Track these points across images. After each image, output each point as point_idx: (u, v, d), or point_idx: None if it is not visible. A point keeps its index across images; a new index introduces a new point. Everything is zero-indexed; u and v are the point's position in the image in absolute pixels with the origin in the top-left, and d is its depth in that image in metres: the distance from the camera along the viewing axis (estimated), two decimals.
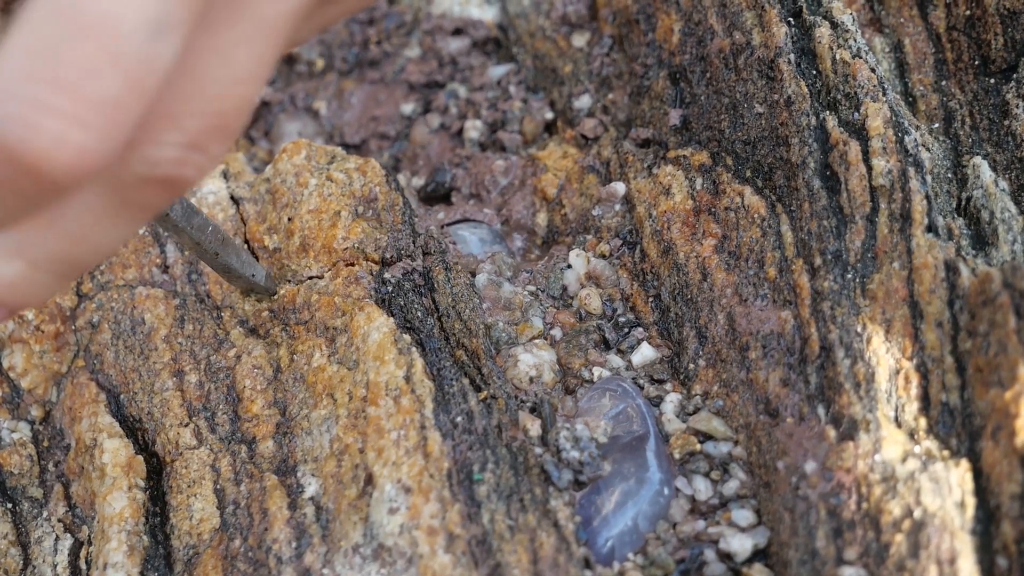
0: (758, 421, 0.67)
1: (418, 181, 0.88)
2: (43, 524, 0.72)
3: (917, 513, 0.59)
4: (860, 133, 0.70)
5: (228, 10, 0.39)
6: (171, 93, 0.38)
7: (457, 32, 0.93)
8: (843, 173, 0.69)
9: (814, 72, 0.73)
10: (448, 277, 0.74)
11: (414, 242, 0.76)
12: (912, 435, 0.62)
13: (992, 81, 0.76)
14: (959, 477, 0.60)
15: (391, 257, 0.75)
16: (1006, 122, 0.74)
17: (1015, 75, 0.75)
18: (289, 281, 0.75)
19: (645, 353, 0.72)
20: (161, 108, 0.38)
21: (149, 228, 0.79)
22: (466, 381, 0.68)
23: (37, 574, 0.70)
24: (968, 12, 0.77)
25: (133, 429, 0.73)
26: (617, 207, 0.78)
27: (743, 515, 0.65)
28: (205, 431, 0.71)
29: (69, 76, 0.35)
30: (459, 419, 0.66)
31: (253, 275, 0.72)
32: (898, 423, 0.63)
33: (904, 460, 0.61)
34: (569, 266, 0.77)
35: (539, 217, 0.82)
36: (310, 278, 0.74)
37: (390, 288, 0.73)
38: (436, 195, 0.87)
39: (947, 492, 0.59)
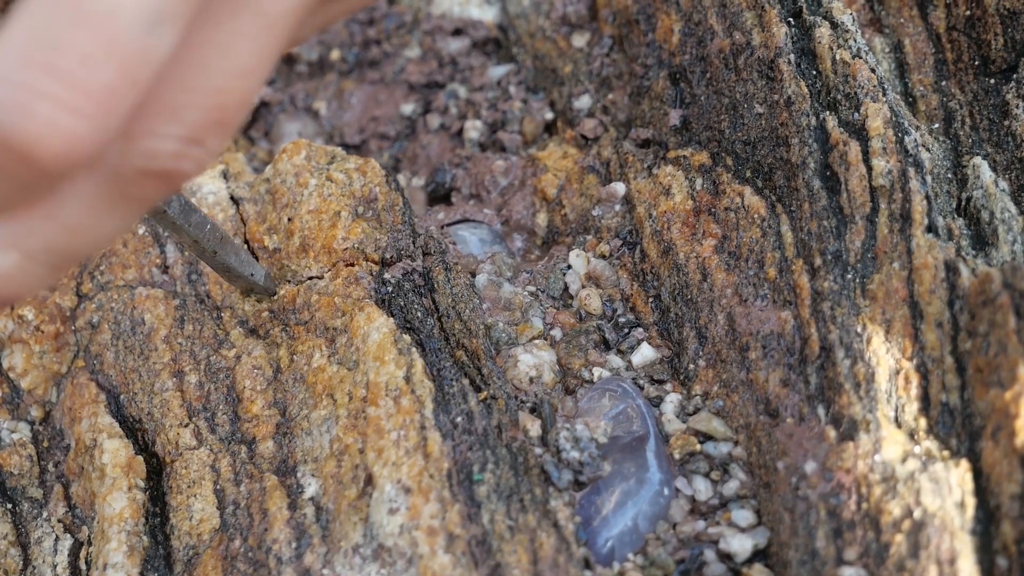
0: (758, 421, 0.67)
1: (418, 181, 0.88)
2: (43, 524, 0.72)
3: (917, 513, 0.59)
4: (860, 133, 0.70)
5: (230, 4, 0.39)
6: (171, 86, 0.38)
7: (457, 32, 0.93)
8: (843, 173, 0.69)
9: (814, 72, 0.73)
10: (448, 277, 0.74)
11: (414, 242, 0.76)
12: (912, 435, 0.62)
13: (992, 81, 0.76)
14: (959, 477, 0.60)
15: (391, 257, 0.75)
16: (1006, 122, 0.74)
17: (1015, 75, 0.75)
18: (289, 281, 0.75)
19: (645, 353, 0.72)
20: (160, 101, 0.39)
21: (149, 228, 0.79)
22: (466, 381, 0.68)
23: (37, 574, 0.70)
24: (968, 12, 0.77)
25: (133, 429, 0.73)
26: (617, 207, 0.78)
27: (743, 515, 0.65)
28: (205, 431, 0.71)
29: (64, 64, 0.36)
30: (459, 419, 0.66)
31: (252, 274, 0.72)
32: (898, 423, 0.63)
33: (904, 460, 0.61)
34: (569, 266, 0.77)
35: (539, 217, 0.82)
36: (310, 278, 0.74)
37: (390, 288, 0.73)
38: (436, 195, 0.87)
39: (947, 492, 0.59)
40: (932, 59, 0.78)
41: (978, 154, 0.74)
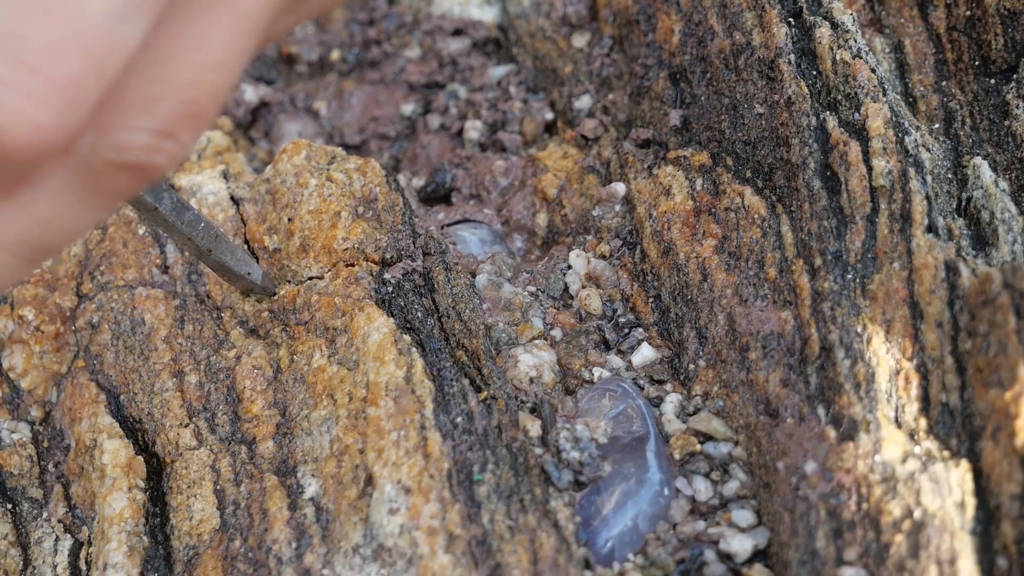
0: (758, 422, 0.67)
1: (418, 181, 0.88)
2: (43, 525, 0.72)
3: (917, 513, 0.59)
4: (860, 133, 0.70)
5: None
6: (144, 78, 0.39)
7: (457, 33, 0.93)
8: (843, 173, 0.69)
9: (814, 72, 0.73)
10: (448, 278, 0.74)
11: (414, 242, 0.76)
12: (912, 435, 0.62)
13: (992, 82, 0.76)
14: (959, 477, 0.60)
15: (391, 257, 0.75)
16: (1006, 122, 0.74)
17: (1015, 75, 0.75)
18: (289, 281, 0.75)
19: (645, 354, 0.72)
20: (133, 93, 0.39)
21: (149, 229, 0.79)
22: (466, 382, 0.68)
23: (37, 574, 0.70)
24: (968, 13, 0.77)
25: (133, 430, 0.73)
26: (617, 207, 0.78)
27: (743, 515, 0.65)
28: (205, 432, 0.71)
29: (31, 54, 0.36)
30: (459, 420, 0.66)
31: (249, 273, 0.72)
32: (898, 423, 0.63)
33: (904, 460, 0.61)
34: (569, 266, 0.77)
35: (539, 217, 0.82)
36: (310, 278, 0.74)
37: (390, 288, 0.73)
38: (436, 195, 0.87)
39: (947, 492, 0.59)
40: (932, 59, 0.78)
41: (978, 154, 0.74)
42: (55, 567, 0.70)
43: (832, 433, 0.63)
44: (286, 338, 0.73)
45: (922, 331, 0.64)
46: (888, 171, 0.68)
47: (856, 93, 0.71)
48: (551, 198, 0.82)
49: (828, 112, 0.71)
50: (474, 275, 0.77)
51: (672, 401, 0.70)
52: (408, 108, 0.92)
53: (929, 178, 0.68)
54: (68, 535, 0.71)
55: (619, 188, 0.79)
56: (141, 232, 0.79)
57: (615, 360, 0.73)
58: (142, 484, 0.70)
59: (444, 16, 0.94)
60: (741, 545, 0.63)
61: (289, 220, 0.76)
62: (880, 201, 0.67)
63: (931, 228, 0.66)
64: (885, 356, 0.64)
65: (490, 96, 0.90)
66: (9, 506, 0.73)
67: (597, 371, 0.72)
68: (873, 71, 0.72)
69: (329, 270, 0.74)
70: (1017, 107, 0.74)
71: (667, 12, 0.81)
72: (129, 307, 0.76)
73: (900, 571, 0.58)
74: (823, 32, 0.73)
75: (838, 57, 0.72)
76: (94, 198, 0.40)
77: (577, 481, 0.66)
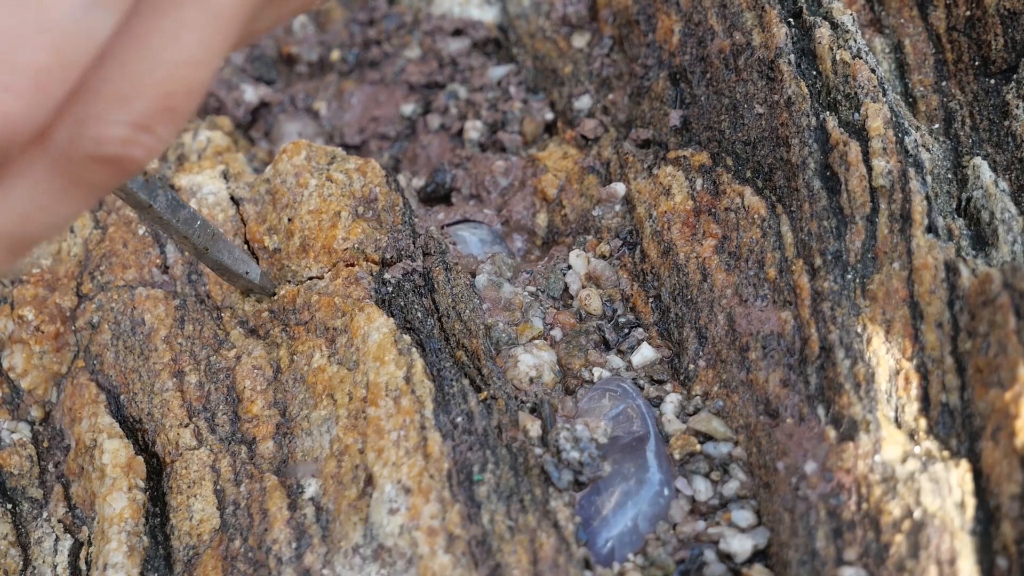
0: (758, 422, 0.67)
1: (418, 181, 0.88)
2: (43, 525, 0.72)
3: (917, 514, 0.59)
4: (860, 134, 0.70)
5: None
6: (120, 71, 0.39)
7: (457, 33, 0.93)
8: (843, 174, 0.69)
9: (814, 73, 0.73)
10: (448, 278, 0.74)
11: (414, 243, 0.76)
12: (912, 436, 0.62)
13: (992, 82, 0.76)
14: (959, 478, 0.60)
15: (391, 258, 0.75)
16: (1006, 123, 0.74)
17: (1015, 76, 0.75)
18: (289, 282, 0.75)
19: (645, 354, 0.72)
20: (109, 86, 0.39)
21: (149, 229, 0.79)
22: (466, 382, 0.68)
23: (37, 575, 0.70)
24: (968, 13, 0.77)
25: (133, 430, 0.73)
26: (617, 207, 0.78)
27: (743, 516, 0.65)
28: (205, 432, 0.71)
29: None
30: (459, 420, 0.66)
31: (247, 272, 0.72)
32: (898, 424, 0.63)
33: (904, 461, 0.61)
34: (569, 267, 0.77)
35: (539, 218, 0.82)
36: (310, 278, 0.74)
37: (390, 289, 0.73)
38: (436, 195, 0.87)
39: (947, 492, 0.59)
40: (932, 59, 0.78)
41: (978, 154, 0.74)
42: (55, 567, 0.70)
43: (832, 433, 0.63)
44: (286, 338, 0.73)
45: (922, 331, 0.64)
46: (888, 171, 0.68)
47: (856, 93, 0.71)
48: (551, 198, 0.82)
49: (828, 112, 0.71)
50: (474, 275, 0.77)
51: (672, 401, 0.70)
52: (408, 108, 0.92)
53: (929, 178, 0.68)
54: (68, 535, 0.71)
55: (619, 188, 0.79)
56: (141, 232, 0.79)
57: (615, 360, 0.73)
58: (142, 484, 0.70)
59: (444, 16, 0.94)
60: (741, 545, 0.63)
61: (289, 220, 0.76)
62: (880, 201, 0.67)
63: (931, 228, 0.66)
64: (885, 356, 0.64)
65: (490, 96, 0.90)
66: (9, 506, 0.73)
67: (597, 371, 0.72)
68: (873, 71, 0.72)
69: (329, 270, 0.74)
70: (1017, 107, 0.74)
71: (667, 12, 0.81)
72: (129, 307, 0.76)
73: (900, 571, 0.58)
74: (823, 32, 0.73)
75: (838, 57, 0.72)
76: (72, 191, 0.41)
77: (577, 481, 0.66)
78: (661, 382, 0.72)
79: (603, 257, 0.77)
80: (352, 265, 0.74)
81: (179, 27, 0.39)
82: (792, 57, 0.73)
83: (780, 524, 0.63)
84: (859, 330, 0.65)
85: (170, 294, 0.76)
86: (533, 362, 0.71)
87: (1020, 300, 0.60)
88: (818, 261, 0.68)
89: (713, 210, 0.74)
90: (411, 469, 0.63)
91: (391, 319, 0.70)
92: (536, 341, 0.73)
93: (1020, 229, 0.68)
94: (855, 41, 0.74)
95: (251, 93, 0.93)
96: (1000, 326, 0.60)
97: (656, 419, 0.69)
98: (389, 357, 0.68)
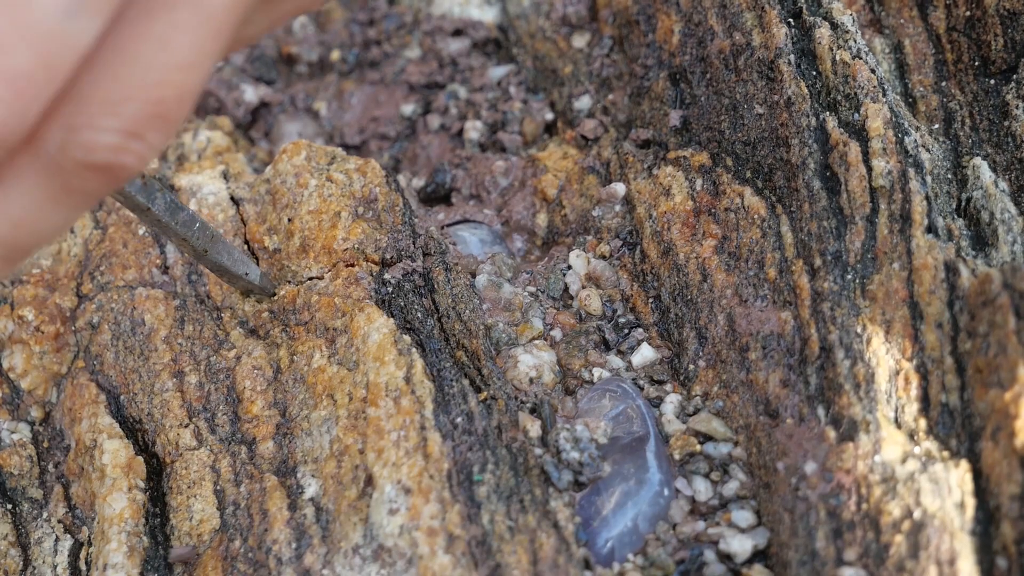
0: (758, 422, 0.67)
1: (418, 182, 0.88)
2: (43, 525, 0.72)
3: (917, 514, 0.59)
4: (860, 134, 0.70)
5: None
6: (110, 77, 0.38)
7: (457, 33, 0.93)
8: (843, 174, 0.69)
9: (814, 73, 0.73)
10: (448, 278, 0.74)
11: (414, 243, 0.76)
12: (912, 436, 0.62)
13: (992, 82, 0.76)
14: (959, 478, 0.60)
15: (391, 258, 0.75)
16: (1006, 123, 0.74)
17: (1015, 76, 0.75)
18: (289, 282, 0.75)
19: (645, 354, 0.72)
20: (99, 92, 0.38)
21: (149, 229, 0.79)
22: (466, 382, 0.68)
23: (37, 575, 0.70)
24: (968, 13, 0.77)
25: (133, 430, 0.73)
26: (617, 208, 0.78)
27: (743, 516, 0.65)
28: (205, 432, 0.71)
29: None
30: (459, 420, 0.66)
31: (247, 273, 0.72)
32: (898, 424, 0.63)
33: (904, 461, 0.61)
34: (569, 267, 0.77)
35: (539, 218, 0.82)
36: (310, 279, 0.74)
37: (390, 289, 0.73)
38: (436, 196, 0.87)
39: (947, 493, 0.59)
40: (932, 60, 0.78)
41: (978, 155, 0.74)
42: (55, 567, 0.70)
43: (832, 433, 0.63)
44: (286, 338, 0.73)
45: (922, 331, 0.64)
46: (888, 171, 0.68)
47: (856, 93, 0.71)
48: (551, 198, 0.82)
49: (828, 112, 0.71)
50: (474, 275, 0.77)
51: (672, 401, 0.70)
52: (408, 108, 0.92)
53: (929, 178, 0.68)
54: (68, 535, 0.71)
55: (619, 188, 0.79)
56: (141, 232, 0.79)
57: (615, 360, 0.73)
58: (142, 484, 0.70)
59: (444, 16, 0.94)
60: (741, 545, 0.63)
61: (289, 220, 0.76)
62: (880, 201, 0.67)
63: (931, 228, 0.66)
64: (885, 356, 0.64)
65: (490, 96, 0.90)
66: (9, 506, 0.73)
67: (597, 371, 0.72)
68: (873, 71, 0.72)
69: (329, 270, 0.74)
70: (1017, 107, 0.74)
71: (667, 12, 0.81)
72: (129, 307, 0.76)
73: (900, 571, 0.58)
74: (823, 32, 0.73)
75: (838, 57, 0.72)
76: (64, 198, 0.40)
77: (577, 481, 0.66)
78: (661, 382, 0.72)
79: (603, 257, 0.77)
80: (352, 265, 0.74)
81: (170, 30, 0.39)
82: (792, 57, 0.73)
83: (780, 524, 0.63)
84: (859, 330, 0.65)
85: (170, 294, 0.76)
86: (533, 362, 0.71)
87: (1020, 300, 0.60)
88: (818, 261, 0.68)
89: (713, 210, 0.74)
90: (411, 469, 0.63)
91: (391, 319, 0.70)
92: (536, 341, 0.73)
93: (1020, 229, 0.68)
94: (855, 41, 0.74)
95: (251, 93, 0.93)
96: (1000, 326, 0.60)
97: (656, 419, 0.69)
98: (389, 357, 0.68)
